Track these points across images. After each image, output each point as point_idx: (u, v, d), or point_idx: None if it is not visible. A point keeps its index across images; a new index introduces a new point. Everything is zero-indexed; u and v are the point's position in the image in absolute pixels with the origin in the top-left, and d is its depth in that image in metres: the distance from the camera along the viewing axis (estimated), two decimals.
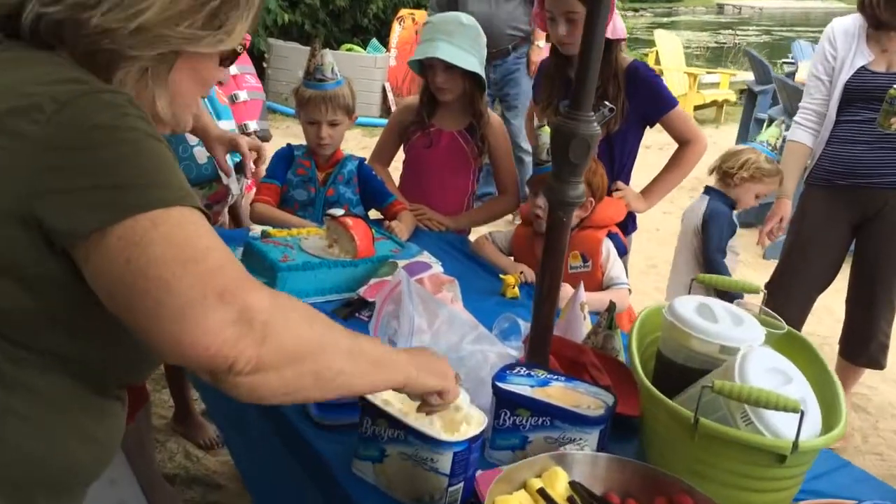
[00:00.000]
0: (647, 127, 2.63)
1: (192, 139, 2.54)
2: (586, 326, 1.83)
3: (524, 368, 1.47)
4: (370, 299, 1.89)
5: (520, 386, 1.40)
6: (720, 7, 31.43)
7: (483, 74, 2.60)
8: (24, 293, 0.90)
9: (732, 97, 9.38)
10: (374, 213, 2.68)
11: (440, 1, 4.81)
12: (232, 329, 0.85)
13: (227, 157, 2.22)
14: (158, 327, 0.85)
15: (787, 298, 3.03)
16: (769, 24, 25.07)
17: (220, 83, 2.75)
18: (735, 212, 2.93)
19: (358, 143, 6.79)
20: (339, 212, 2.10)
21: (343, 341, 0.99)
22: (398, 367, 1.09)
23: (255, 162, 2.17)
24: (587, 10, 1.37)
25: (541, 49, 4.65)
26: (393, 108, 7.82)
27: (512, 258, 2.40)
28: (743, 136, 6.44)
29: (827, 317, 4.07)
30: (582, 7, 2.35)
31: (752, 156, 2.85)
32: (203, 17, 0.99)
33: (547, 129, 2.16)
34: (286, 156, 2.56)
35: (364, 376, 1.03)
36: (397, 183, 2.85)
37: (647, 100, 2.49)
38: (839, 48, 2.90)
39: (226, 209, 2.86)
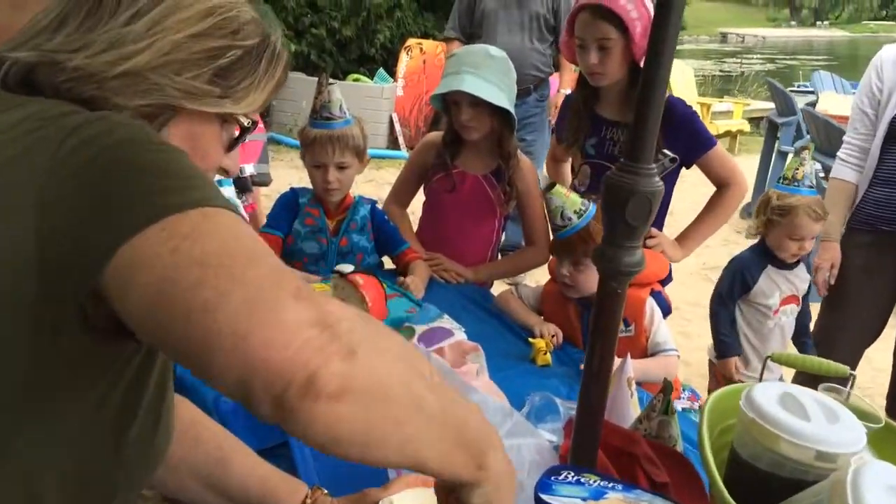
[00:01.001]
0: (684, 168, 2.40)
1: None
2: (634, 406, 1.58)
3: (571, 473, 1.22)
4: None
5: (570, 499, 1.14)
6: (723, 35, 31.48)
7: (513, 111, 2.37)
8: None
9: (747, 127, 9.18)
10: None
11: (463, 24, 4.51)
12: (314, 331, 0.64)
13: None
14: (218, 327, 0.63)
15: (832, 355, 2.77)
16: (772, 52, 25.05)
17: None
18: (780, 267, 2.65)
19: (363, 176, 6.57)
20: (348, 268, 1.86)
21: (435, 401, 0.72)
22: (488, 463, 0.77)
23: None
24: (652, 34, 1.13)
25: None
26: (400, 139, 7.65)
27: (541, 317, 2.15)
28: (763, 170, 6.21)
29: (865, 365, 3.82)
30: (617, 33, 2.13)
31: (771, 194, 2.60)
32: (209, 73, 0.85)
33: (560, 191, 1.93)
34: (290, 203, 2.33)
35: (444, 456, 0.73)
36: (416, 227, 2.62)
37: (684, 139, 2.26)
38: (886, 80, 2.66)
39: None
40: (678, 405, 1.91)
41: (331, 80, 2.25)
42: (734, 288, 2.65)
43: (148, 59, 0.81)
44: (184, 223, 0.68)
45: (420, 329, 1.75)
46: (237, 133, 0.98)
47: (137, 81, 0.81)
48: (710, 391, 2.59)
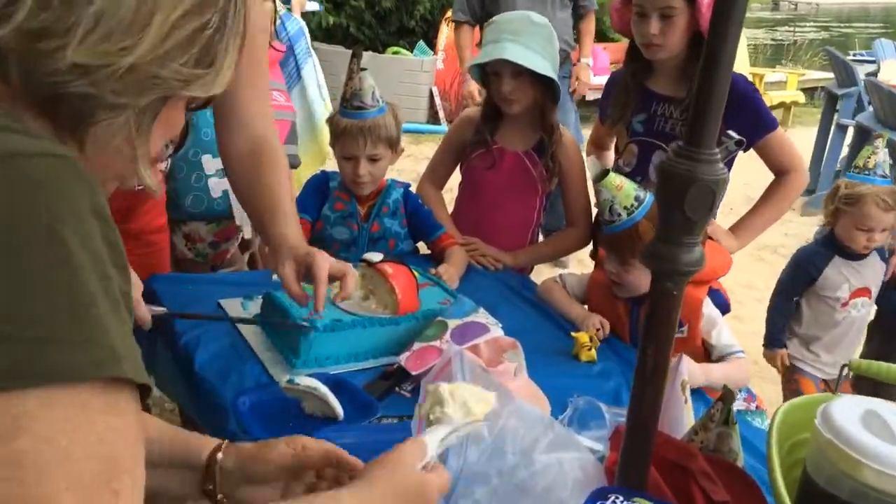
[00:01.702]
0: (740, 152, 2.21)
1: (210, 167, 2.22)
2: (688, 414, 1.43)
3: (620, 497, 1.09)
4: (414, 372, 1.53)
5: None
6: (775, 3, 30.54)
7: (558, 81, 2.21)
8: None
9: (801, 98, 8.81)
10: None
11: (472, 3, 4.09)
12: None
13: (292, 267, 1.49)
14: None
15: None
16: (826, 20, 24.15)
17: None
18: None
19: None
20: (376, 257, 1.73)
21: None
22: None
23: (341, 286, 1.52)
24: (718, 2, 0.97)
25: (590, 68, 4.22)
26: (441, 114, 7.48)
27: (585, 307, 2.00)
28: (821, 144, 5.92)
29: None
30: (682, 2, 1.96)
31: (840, 183, 2.43)
32: (197, 52, 0.73)
33: (612, 183, 1.77)
34: (320, 187, 2.21)
35: None
36: (451, 208, 2.48)
37: (743, 119, 2.06)
38: None
39: (235, 248, 2.52)
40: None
41: (363, 67, 2.10)
42: (797, 280, 2.52)
43: (147, 49, 0.68)
44: (9, 409, 0.54)
45: (453, 324, 1.62)
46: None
47: (138, 76, 0.68)
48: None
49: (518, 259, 2.33)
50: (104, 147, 0.72)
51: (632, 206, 1.75)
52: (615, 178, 1.78)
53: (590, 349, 1.77)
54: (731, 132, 1.37)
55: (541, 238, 2.50)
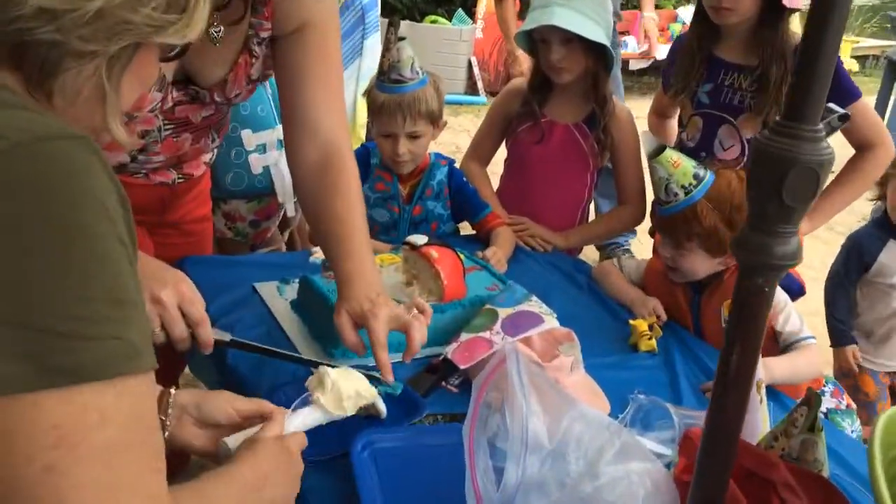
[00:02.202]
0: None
1: (250, 143, 2.11)
2: (763, 416, 1.31)
3: None
4: (462, 366, 1.41)
5: None
6: None
7: (611, 48, 2.06)
8: None
9: (855, 67, 8.47)
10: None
11: None
12: None
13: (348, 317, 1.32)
14: None
15: None
16: None
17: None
18: None
19: None
20: (421, 239, 1.62)
21: None
22: None
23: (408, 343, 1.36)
24: None
25: (655, 21, 4.00)
26: (479, 84, 7.30)
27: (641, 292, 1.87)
28: (880, 114, 5.64)
29: None
30: None
31: None
32: None
33: (668, 159, 1.63)
34: (361, 163, 2.08)
35: None
36: (496, 186, 2.35)
37: None
38: None
39: (275, 227, 2.42)
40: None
41: (400, 36, 1.97)
42: (850, 268, 2.35)
43: None
44: (60, 412, 0.58)
45: (504, 313, 1.50)
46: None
47: (108, 22, 0.65)
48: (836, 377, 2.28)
49: (569, 240, 2.20)
50: (73, 99, 0.70)
51: (690, 185, 1.61)
52: (671, 155, 1.64)
53: (650, 338, 1.65)
54: (831, 105, 1.22)
55: (591, 217, 2.36)
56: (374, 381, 1.28)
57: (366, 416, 1.32)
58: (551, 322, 1.47)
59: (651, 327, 1.67)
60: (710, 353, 1.64)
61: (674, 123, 2.39)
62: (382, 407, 1.31)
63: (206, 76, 1.40)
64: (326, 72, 1.41)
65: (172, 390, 1.03)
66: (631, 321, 1.68)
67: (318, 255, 1.92)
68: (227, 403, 1.06)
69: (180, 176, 1.57)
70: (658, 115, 2.37)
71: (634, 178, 2.21)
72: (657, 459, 1.15)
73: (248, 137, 2.13)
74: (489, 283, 1.70)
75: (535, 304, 1.52)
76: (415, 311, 1.34)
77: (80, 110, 0.71)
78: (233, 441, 1.03)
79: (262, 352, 1.40)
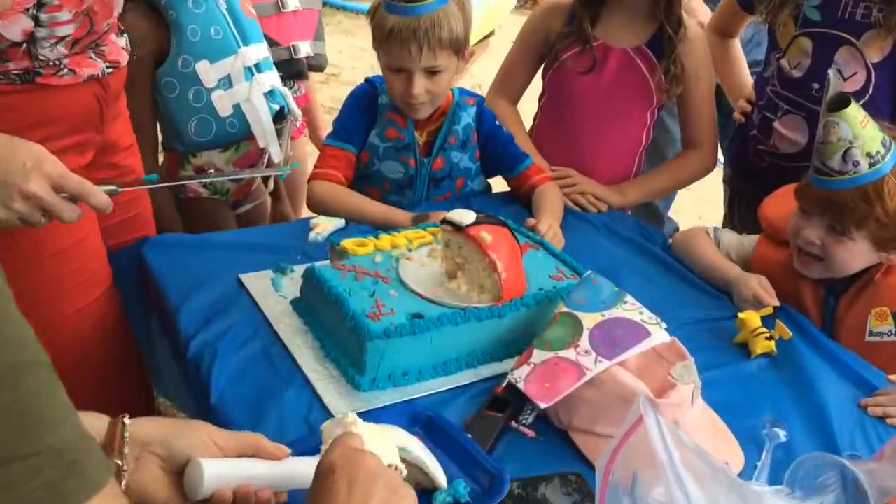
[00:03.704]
0: None
1: (209, 78, 1.66)
2: None
3: None
4: (544, 404, 1.01)
5: None
6: None
7: None
8: None
9: None
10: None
11: None
12: None
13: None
14: None
15: None
16: None
17: None
18: None
19: None
20: (466, 217, 1.19)
21: None
22: None
23: None
24: None
25: None
26: None
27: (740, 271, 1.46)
28: None
29: None
30: None
31: None
32: None
33: (855, 113, 1.21)
34: (367, 103, 1.62)
35: None
36: (528, 128, 1.90)
37: None
38: None
39: (258, 179, 1.97)
40: None
41: None
42: None
43: None
44: None
45: (589, 320, 1.08)
46: None
47: None
48: None
49: (627, 195, 1.78)
50: None
51: (877, 153, 1.21)
52: (857, 111, 1.22)
53: (768, 336, 1.25)
54: None
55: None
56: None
57: (416, 486, 0.92)
58: (659, 335, 1.06)
59: (766, 321, 1.27)
60: (850, 356, 1.26)
61: (737, 44, 1.96)
62: (441, 477, 0.92)
63: None
64: None
65: (126, 419, 0.77)
66: (740, 315, 1.28)
67: (320, 228, 1.49)
68: (208, 437, 0.80)
69: (107, 65, 1.33)
70: (720, 33, 1.92)
71: (708, 116, 1.79)
72: None
73: (206, 71, 1.66)
74: (551, 270, 1.29)
75: (631, 307, 1.11)
76: None
77: None
78: (211, 468, 0.76)
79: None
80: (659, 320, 1.08)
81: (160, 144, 1.79)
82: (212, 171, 1.35)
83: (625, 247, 1.56)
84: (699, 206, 3.36)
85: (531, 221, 1.49)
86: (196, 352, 1.13)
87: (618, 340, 1.05)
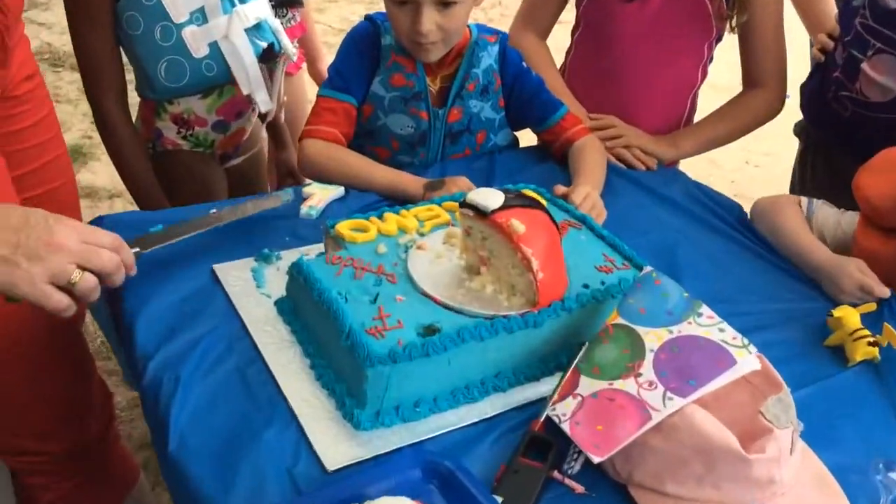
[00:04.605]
0: None
1: (178, 11, 1.38)
2: None
3: None
4: (598, 458, 0.77)
5: None
6: None
7: None
8: None
9: None
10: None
11: None
12: None
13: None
14: None
15: None
16: None
17: None
18: None
19: None
20: (494, 200, 0.93)
21: None
22: None
23: None
24: None
25: None
26: None
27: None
28: None
29: None
30: None
31: None
32: None
33: None
34: (368, 45, 1.34)
35: None
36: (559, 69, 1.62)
37: None
38: None
39: (253, 126, 1.70)
40: None
41: None
42: None
43: None
44: None
45: (654, 339, 0.83)
46: None
47: None
48: None
49: (681, 147, 1.51)
50: None
51: None
52: None
53: (871, 341, 1.00)
54: None
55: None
56: None
57: None
58: (747, 361, 0.81)
59: (867, 320, 1.02)
60: None
61: None
62: None
63: None
64: None
65: None
66: (834, 312, 1.03)
67: (314, 200, 1.24)
68: None
69: None
70: None
71: (776, 50, 1.50)
72: None
73: (174, 2, 1.37)
74: (598, 259, 1.03)
75: (710, 322, 0.86)
76: None
77: None
78: None
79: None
80: (746, 341, 0.83)
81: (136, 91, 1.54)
82: (214, 211, 1.12)
83: (681, 215, 1.30)
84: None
85: (561, 189, 1.22)
86: (153, 378, 0.90)
87: (693, 369, 0.81)
